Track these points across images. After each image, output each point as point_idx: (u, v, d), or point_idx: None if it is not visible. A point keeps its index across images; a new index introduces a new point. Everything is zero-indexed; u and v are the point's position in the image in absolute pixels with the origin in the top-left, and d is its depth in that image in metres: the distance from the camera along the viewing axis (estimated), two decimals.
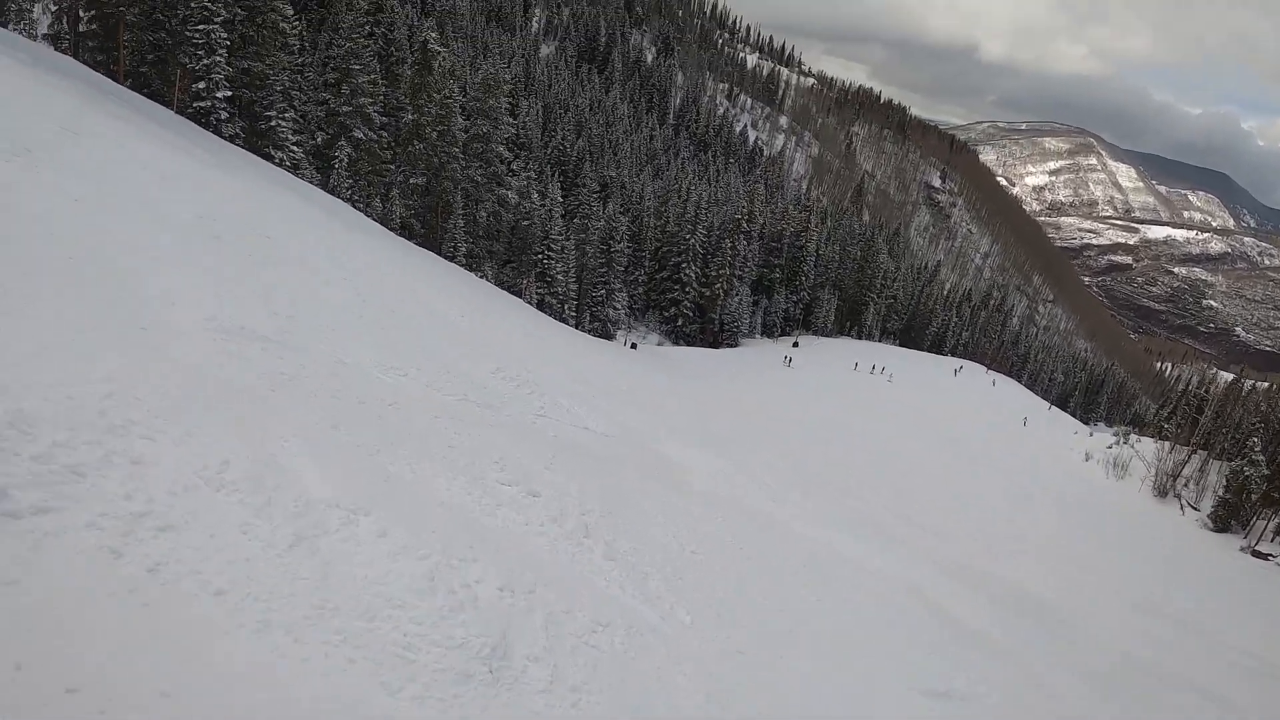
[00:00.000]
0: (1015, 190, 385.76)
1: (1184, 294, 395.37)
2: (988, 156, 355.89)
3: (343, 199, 36.44)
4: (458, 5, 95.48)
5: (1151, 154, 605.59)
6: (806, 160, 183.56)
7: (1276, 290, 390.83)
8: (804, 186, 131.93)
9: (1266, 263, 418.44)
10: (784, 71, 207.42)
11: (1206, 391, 67.47)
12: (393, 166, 45.33)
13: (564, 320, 52.66)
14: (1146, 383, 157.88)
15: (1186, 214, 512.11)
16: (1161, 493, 48.80)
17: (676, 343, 66.61)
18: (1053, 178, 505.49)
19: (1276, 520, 44.35)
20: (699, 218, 67.81)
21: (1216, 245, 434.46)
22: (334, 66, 41.86)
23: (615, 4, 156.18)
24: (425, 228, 46.30)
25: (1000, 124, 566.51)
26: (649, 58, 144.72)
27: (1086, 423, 76.96)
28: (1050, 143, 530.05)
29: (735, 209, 72.71)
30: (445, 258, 41.16)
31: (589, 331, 55.63)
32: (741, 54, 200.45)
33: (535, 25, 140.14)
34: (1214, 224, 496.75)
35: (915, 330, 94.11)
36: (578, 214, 60.60)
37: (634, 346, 55.43)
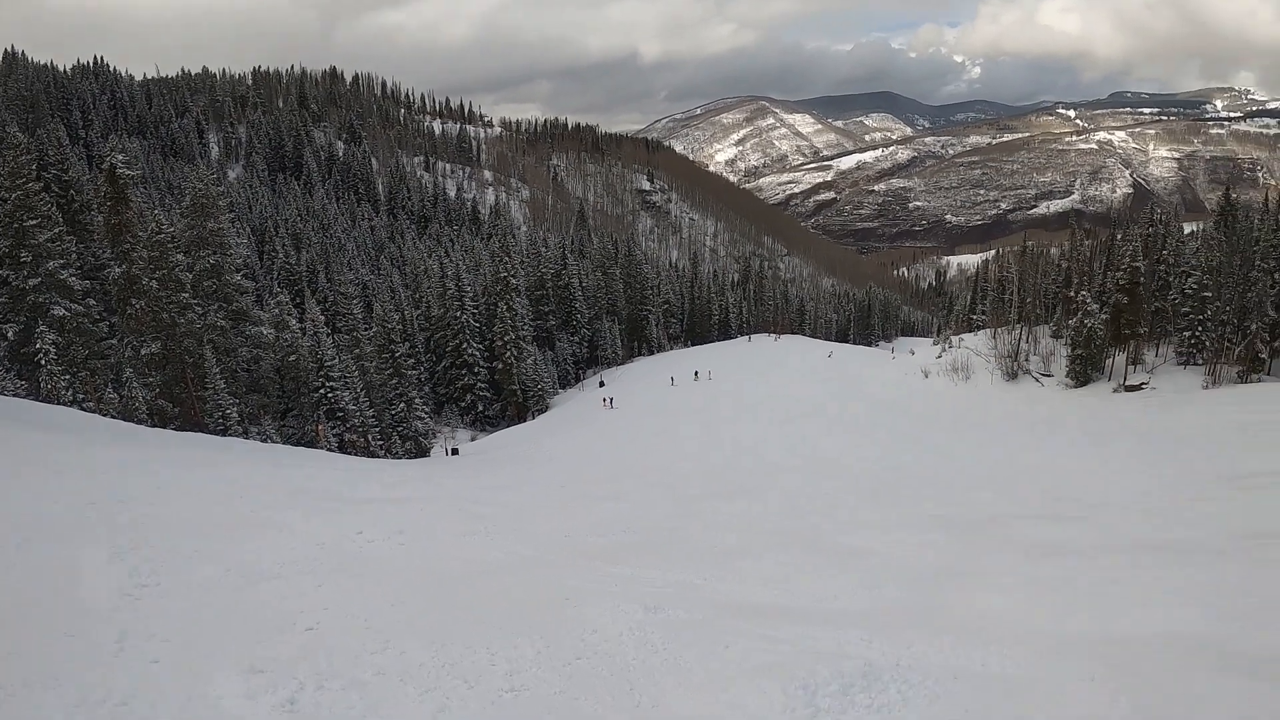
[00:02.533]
0: (711, 170, 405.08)
1: (890, 205, 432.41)
2: (676, 148, 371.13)
3: (65, 403, 28.30)
4: (126, 145, 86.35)
5: (820, 97, 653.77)
6: (521, 205, 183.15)
7: (965, 172, 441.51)
8: (528, 230, 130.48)
9: (950, 153, 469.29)
10: (471, 129, 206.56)
11: (1002, 272, 71.13)
12: (114, 341, 36.49)
13: (372, 454, 47.75)
14: (900, 292, 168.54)
15: (867, 137, 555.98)
16: (1011, 375, 50.49)
17: (484, 430, 61.92)
18: (739, 147, 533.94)
19: (1126, 354, 47.25)
20: (463, 290, 64.08)
21: (903, 153, 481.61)
22: None
23: (289, 108, 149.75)
24: (178, 403, 37.23)
25: (677, 115, 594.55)
26: (340, 150, 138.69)
27: (891, 352, 78.79)
28: (727, 118, 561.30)
29: (492, 270, 69.41)
30: (216, 432, 34.54)
31: (404, 454, 50.83)
32: (427, 123, 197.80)
33: (215, 149, 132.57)
34: (894, 137, 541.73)
35: (699, 325, 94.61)
36: (339, 329, 55.34)
37: (455, 452, 51.12)
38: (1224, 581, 10.97)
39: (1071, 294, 52.94)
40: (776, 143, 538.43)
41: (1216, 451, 26.98)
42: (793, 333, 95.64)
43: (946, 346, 62.14)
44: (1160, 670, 7.42)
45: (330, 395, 48.56)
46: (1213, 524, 15.99)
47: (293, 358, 47.90)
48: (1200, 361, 45.42)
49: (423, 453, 52.49)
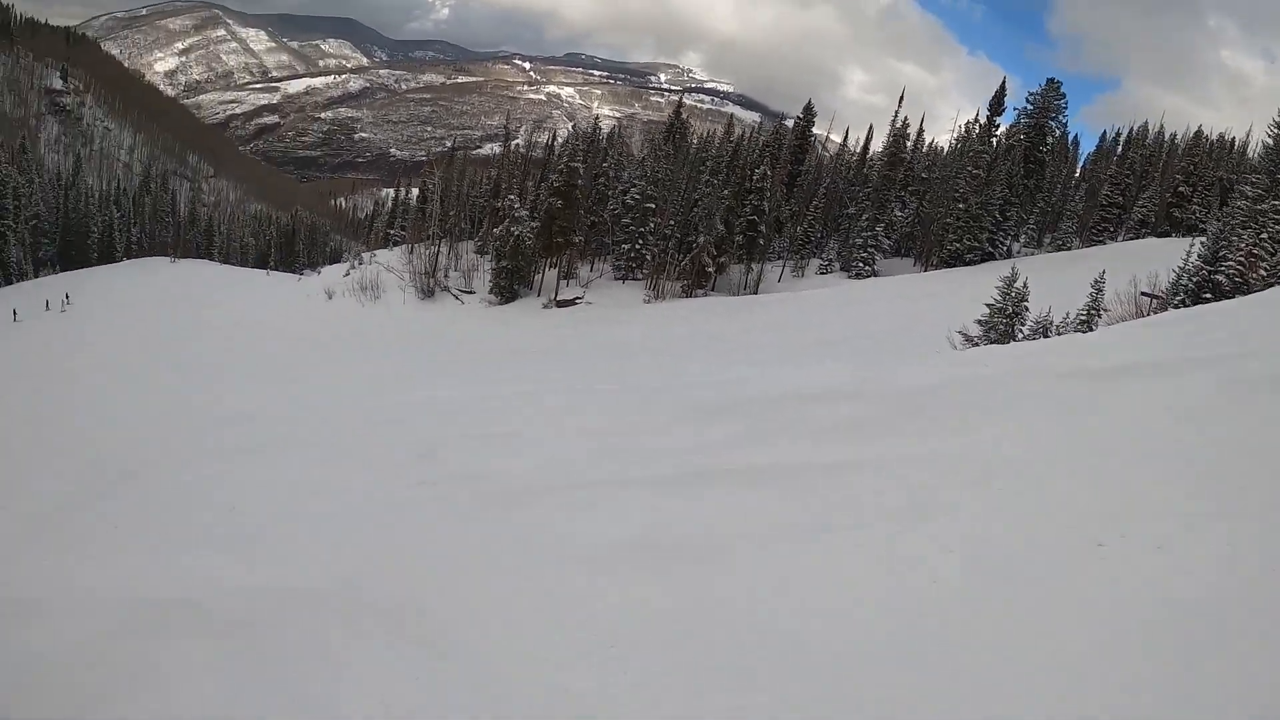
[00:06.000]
0: (147, 80, 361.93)
1: (336, 135, 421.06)
2: (111, 50, 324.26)
3: None
4: None
5: (281, 14, 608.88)
6: None
7: (417, 108, 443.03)
8: None
9: (404, 88, 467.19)
10: None
11: (424, 185, 66.69)
12: None
13: None
14: (332, 220, 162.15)
15: (322, 63, 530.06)
16: (428, 293, 46.77)
17: None
18: (183, 58, 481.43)
19: (558, 268, 45.36)
20: None
21: (356, 84, 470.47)
22: None
23: None
24: None
25: (119, 14, 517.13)
26: None
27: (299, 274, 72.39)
28: (174, 23, 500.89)
29: None
30: None
31: None
32: None
33: None
34: (349, 66, 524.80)
35: (75, 247, 79.01)
36: None
37: None
38: None
39: (499, 203, 49.87)
40: (225, 57, 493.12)
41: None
42: (198, 257, 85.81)
43: (356, 264, 57.55)
44: None
45: None
46: None
47: None
48: (640, 276, 45.22)
49: None
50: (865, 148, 60.35)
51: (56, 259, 77.58)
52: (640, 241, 46.25)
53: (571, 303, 43.22)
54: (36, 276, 70.84)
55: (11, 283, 67.39)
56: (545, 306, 42.90)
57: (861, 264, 46.49)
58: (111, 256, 79.68)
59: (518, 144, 67.49)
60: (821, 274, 48.66)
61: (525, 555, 5.32)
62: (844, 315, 32.73)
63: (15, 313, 49.33)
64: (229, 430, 16.86)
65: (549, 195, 46.38)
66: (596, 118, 63.75)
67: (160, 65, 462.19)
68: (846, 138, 62.54)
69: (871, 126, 60.50)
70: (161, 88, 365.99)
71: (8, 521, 12.71)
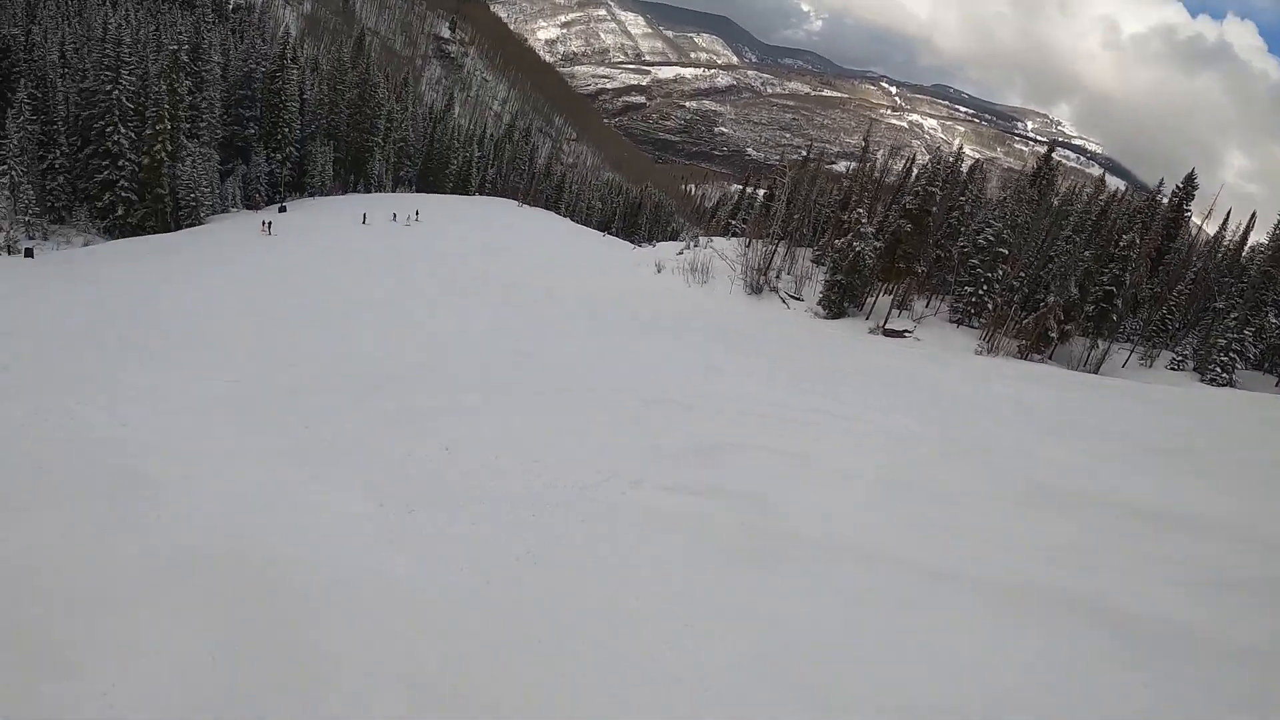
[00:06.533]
0: (528, 44, 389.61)
1: (697, 124, 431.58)
2: (501, 14, 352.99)
3: None
4: None
5: (659, 2, 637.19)
6: (300, 20, 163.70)
7: (777, 114, 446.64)
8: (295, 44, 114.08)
9: (769, 91, 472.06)
10: None
11: (773, 184, 64.35)
12: None
13: None
14: (678, 202, 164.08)
15: (694, 55, 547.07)
16: (756, 290, 44.02)
17: (119, 239, 49.65)
18: (564, 30, 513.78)
19: (893, 296, 41.38)
20: (122, 60, 51.10)
21: (723, 79, 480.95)
22: None
23: None
24: None
25: None
26: None
27: (634, 245, 73.28)
28: None
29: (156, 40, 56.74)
30: None
31: None
32: None
33: None
34: (719, 62, 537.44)
35: (434, 174, 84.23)
36: None
37: (29, 254, 40.17)
38: None
39: (845, 216, 46.46)
40: (603, 35, 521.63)
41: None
42: (545, 208, 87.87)
43: (691, 244, 55.98)
44: None
45: None
46: None
47: None
48: (976, 324, 40.59)
49: None
50: (1244, 236, 52.22)
51: (415, 179, 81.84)
52: (985, 287, 41.73)
53: (900, 334, 39.09)
54: (394, 191, 75.31)
55: (370, 191, 71.89)
56: (871, 332, 39.15)
57: (1219, 369, 38.97)
58: (465, 189, 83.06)
59: (874, 162, 62.26)
60: (1172, 369, 41.41)
61: None
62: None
63: (365, 217, 52.55)
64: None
65: (899, 217, 43.20)
66: (959, 148, 57.68)
67: (542, 33, 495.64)
68: (1227, 221, 53.74)
69: (1255, 214, 50.50)
70: (540, 53, 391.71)
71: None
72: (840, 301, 41.37)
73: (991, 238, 40.96)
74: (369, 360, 20.13)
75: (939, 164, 48.11)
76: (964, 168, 54.25)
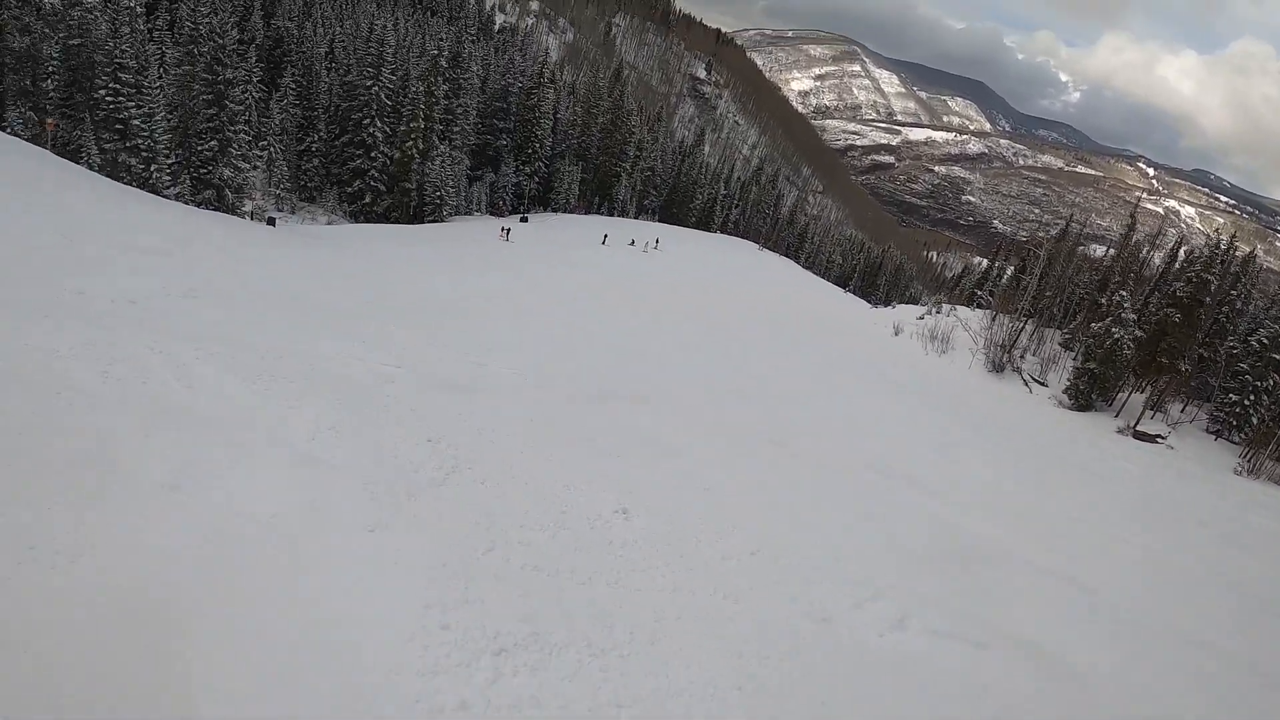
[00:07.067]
0: (781, 94, 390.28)
1: (944, 190, 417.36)
2: (757, 60, 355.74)
3: None
4: None
5: (914, 62, 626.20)
6: (561, 47, 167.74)
7: (1029, 187, 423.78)
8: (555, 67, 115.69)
9: (1021, 162, 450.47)
10: None
11: (1027, 253, 57.58)
12: None
13: (153, 189, 35.25)
14: (919, 268, 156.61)
15: (946, 118, 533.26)
16: (998, 368, 37.59)
17: (361, 224, 50.39)
18: (818, 83, 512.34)
19: (1147, 394, 34.05)
20: (384, 59, 50.87)
21: (974, 146, 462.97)
22: None
23: None
24: None
25: (767, 31, 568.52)
26: None
27: (871, 305, 67.78)
28: (815, 50, 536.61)
29: (420, 44, 56.93)
30: None
31: (197, 203, 38.24)
32: None
33: None
34: (971, 128, 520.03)
35: (677, 206, 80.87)
36: (178, 39, 41.85)
37: (271, 222, 39.42)
38: None
39: (1104, 299, 39.62)
40: (856, 91, 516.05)
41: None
42: (785, 255, 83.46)
43: (934, 310, 50.25)
44: None
45: (112, 102, 35.80)
46: None
47: (76, 42, 35.38)
48: (1237, 440, 32.83)
49: (228, 208, 40.19)
50: None
51: (659, 209, 79.31)
52: (1251, 398, 32.55)
53: (1153, 439, 31.56)
54: (636, 218, 73.03)
55: (612, 215, 69.96)
56: (1119, 431, 31.80)
57: None
58: (708, 225, 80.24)
59: (1136, 246, 54.00)
60: None
61: None
62: None
63: (605, 238, 50.96)
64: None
65: (1166, 304, 36.07)
66: (1233, 236, 48.09)
67: (795, 84, 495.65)
68: None
69: None
70: (792, 103, 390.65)
71: None
72: (1089, 392, 34.22)
73: (1266, 340, 32.74)
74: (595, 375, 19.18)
75: (1216, 249, 40.07)
76: (1238, 257, 45.52)
